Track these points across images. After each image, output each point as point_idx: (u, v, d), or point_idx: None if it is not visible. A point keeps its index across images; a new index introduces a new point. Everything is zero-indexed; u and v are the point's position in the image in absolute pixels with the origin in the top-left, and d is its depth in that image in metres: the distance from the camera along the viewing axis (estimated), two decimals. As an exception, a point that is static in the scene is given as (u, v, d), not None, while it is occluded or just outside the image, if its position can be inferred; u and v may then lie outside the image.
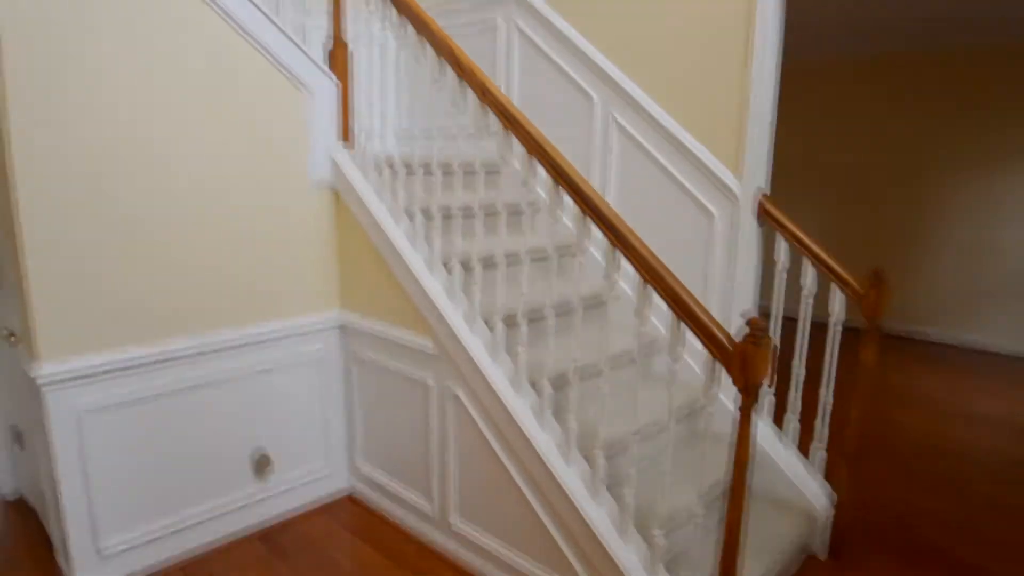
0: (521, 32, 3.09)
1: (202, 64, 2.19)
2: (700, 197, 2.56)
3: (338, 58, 2.58)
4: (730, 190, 2.48)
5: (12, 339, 2.20)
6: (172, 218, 2.18)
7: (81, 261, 2.00)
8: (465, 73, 2.10)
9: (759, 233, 2.50)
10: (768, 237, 2.49)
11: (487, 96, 2.05)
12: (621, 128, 2.75)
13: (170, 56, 2.11)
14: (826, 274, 2.32)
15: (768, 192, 2.50)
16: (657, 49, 2.65)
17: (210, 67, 2.21)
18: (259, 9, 2.29)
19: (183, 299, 2.24)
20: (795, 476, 2.45)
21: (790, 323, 2.43)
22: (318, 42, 3.13)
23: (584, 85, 2.86)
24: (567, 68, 2.92)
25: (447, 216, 2.55)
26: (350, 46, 2.61)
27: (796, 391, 2.45)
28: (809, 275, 2.36)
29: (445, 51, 2.13)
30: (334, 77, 2.55)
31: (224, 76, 2.25)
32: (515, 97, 3.13)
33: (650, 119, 2.66)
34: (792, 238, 2.39)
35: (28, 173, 1.86)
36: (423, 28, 2.20)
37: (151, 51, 2.07)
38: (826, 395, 2.39)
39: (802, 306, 2.39)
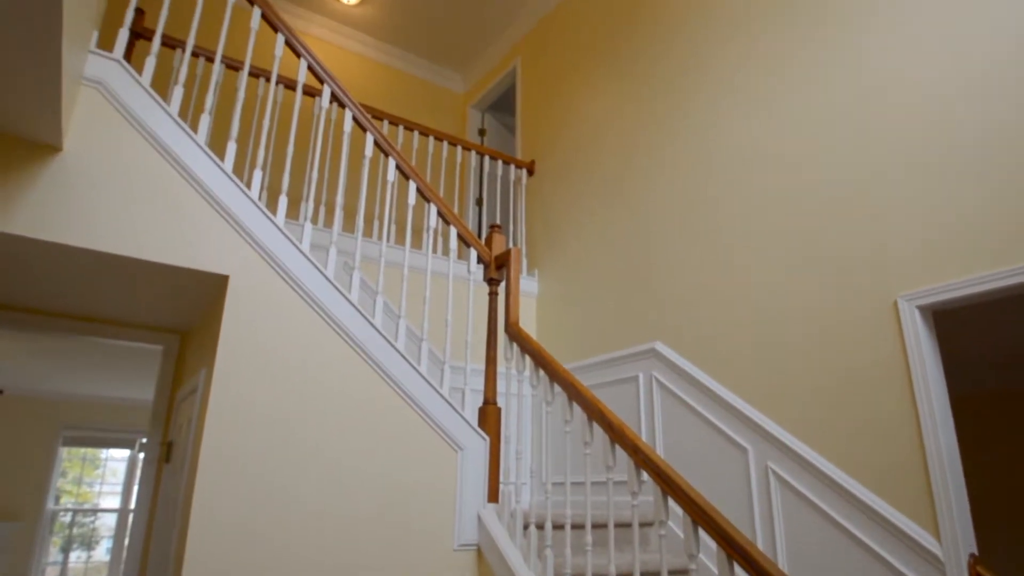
0: (661, 384, 3.19)
1: (372, 430, 2.40)
2: (895, 563, 2.19)
3: (489, 417, 2.74)
4: (931, 554, 2.12)
5: None
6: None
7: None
8: (615, 433, 2.13)
9: (984, 610, 2.04)
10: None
11: (638, 454, 2.03)
12: (783, 481, 2.56)
13: (349, 427, 2.34)
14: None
15: (976, 552, 2.11)
16: (813, 400, 2.57)
17: (381, 434, 2.41)
18: (424, 379, 2.57)
19: None
20: None
21: None
22: (472, 404, 3.38)
23: (733, 435, 2.78)
24: (713, 418, 2.89)
25: (599, 580, 2.34)
26: (501, 405, 2.78)
27: None
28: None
29: (595, 413, 2.21)
30: (485, 435, 2.68)
31: (390, 441, 2.43)
32: (659, 447, 3.09)
33: (817, 472, 2.46)
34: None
35: (199, 534, 1.98)
36: (573, 392, 2.33)
37: (351, 431, 2.32)
38: None
39: None
